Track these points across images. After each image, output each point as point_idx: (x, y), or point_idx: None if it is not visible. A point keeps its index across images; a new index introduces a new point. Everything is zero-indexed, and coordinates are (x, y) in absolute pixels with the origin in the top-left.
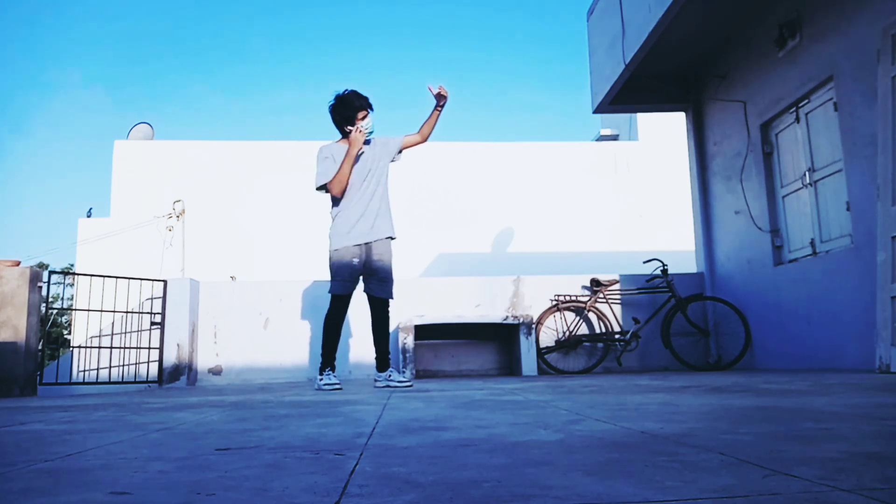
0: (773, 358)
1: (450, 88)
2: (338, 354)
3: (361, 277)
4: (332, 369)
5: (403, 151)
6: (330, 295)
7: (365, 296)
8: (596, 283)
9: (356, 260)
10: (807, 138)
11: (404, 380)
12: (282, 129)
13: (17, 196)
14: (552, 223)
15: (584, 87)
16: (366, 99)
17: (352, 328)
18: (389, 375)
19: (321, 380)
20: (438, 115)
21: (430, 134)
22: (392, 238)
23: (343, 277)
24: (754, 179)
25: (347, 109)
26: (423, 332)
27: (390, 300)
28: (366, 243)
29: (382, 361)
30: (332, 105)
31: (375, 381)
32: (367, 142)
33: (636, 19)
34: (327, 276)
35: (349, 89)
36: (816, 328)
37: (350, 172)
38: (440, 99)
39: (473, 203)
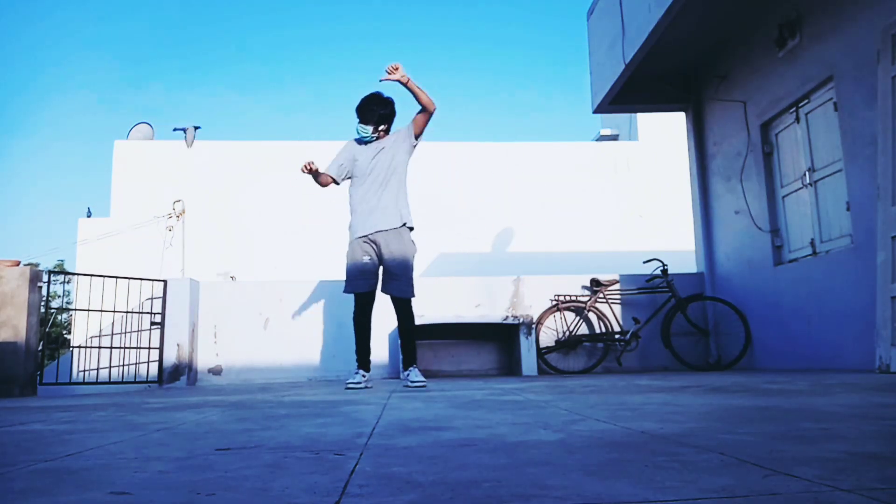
0: (773, 358)
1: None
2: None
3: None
4: (366, 368)
5: (421, 136)
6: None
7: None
8: (596, 283)
9: (366, 257)
10: (807, 138)
11: (417, 380)
12: (282, 128)
13: (17, 196)
14: (552, 223)
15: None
16: (361, 109)
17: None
18: (408, 374)
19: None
20: (413, 87)
21: (425, 101)
22: (404, 227)
23: (353, 276)
24: (754, 179)
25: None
26: (423, 332)
27: (410, 298)
28: (374, 234)
29: (405, 359)
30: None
31: (402, 379)
32: (366, 141)
33: (636, 19)
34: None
35: (375, 93)
36: (816, 328)
37: (322, 181)
38: (400, 80)
39: (473, 203)
